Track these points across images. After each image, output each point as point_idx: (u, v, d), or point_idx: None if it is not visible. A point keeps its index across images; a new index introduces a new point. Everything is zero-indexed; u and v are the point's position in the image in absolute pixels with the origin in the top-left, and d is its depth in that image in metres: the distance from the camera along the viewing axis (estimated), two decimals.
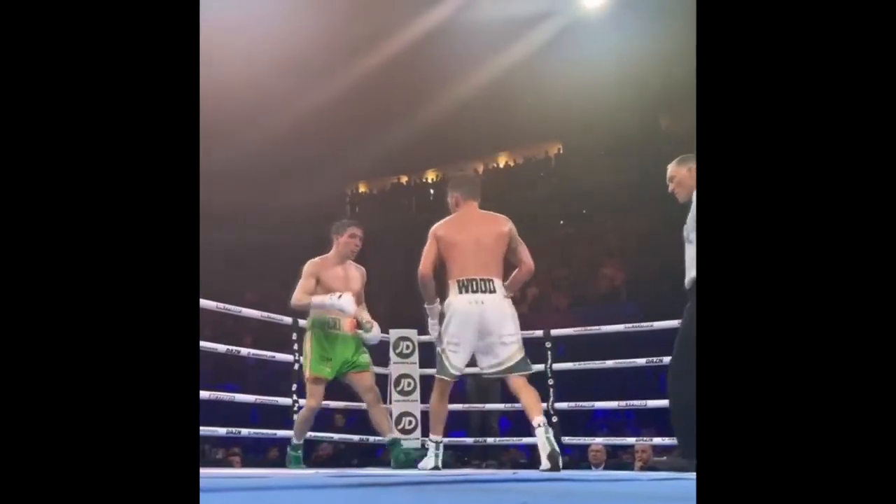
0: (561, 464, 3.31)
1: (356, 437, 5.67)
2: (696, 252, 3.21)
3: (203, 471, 2.33)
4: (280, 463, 4.81)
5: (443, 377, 3.53)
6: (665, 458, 5.09)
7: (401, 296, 3.87)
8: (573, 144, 15.25)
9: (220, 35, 9.78)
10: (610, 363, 5.37)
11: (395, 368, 5.50)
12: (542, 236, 13.70)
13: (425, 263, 3.48)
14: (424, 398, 5.05)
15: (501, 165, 16.66)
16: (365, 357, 4.13)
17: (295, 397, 4.72)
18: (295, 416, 4.50)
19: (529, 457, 6.80)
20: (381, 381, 5.60)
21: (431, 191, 16.37)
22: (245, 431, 5.35)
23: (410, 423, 5.40)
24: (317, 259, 4.10)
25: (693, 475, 1.57)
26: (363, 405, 4.26)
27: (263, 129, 13.28)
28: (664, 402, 3.90)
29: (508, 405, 5.21)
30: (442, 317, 3.52)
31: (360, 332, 4.10)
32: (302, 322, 4.43)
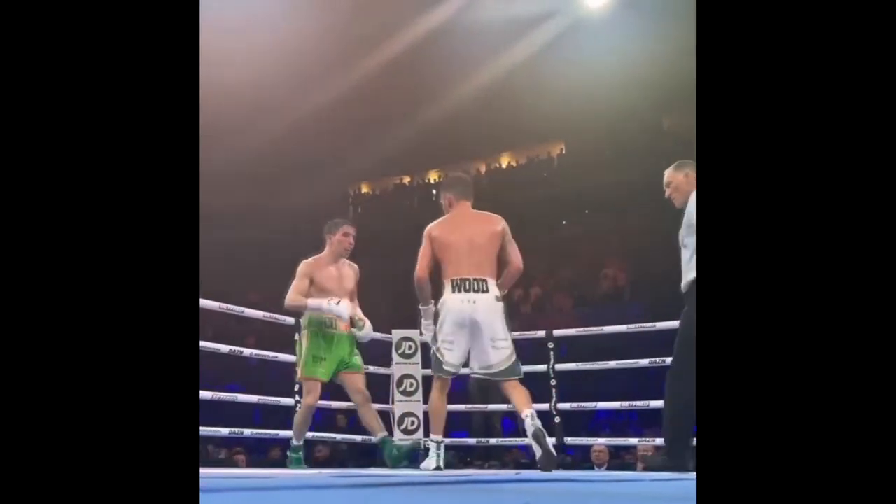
0: (548, 443, 3.34)
1: (358, 438, 5.67)
2: (695, 255, 3.25)
3: (204, 471, 2.34)
4: (282, 463, 4.81)
5: (439, 375, 3.56)
6: (650, 454, 5.09)
7: (403, 296, 3.88)
8: (576, 144, 15.26)
9: (228, 36, 9.81)
10: (613, 364, 5.37)
11: (397, 369, 5.50)
12: (545, 237, 13.71)
13: (421, 266, 3.54)
14: (427, 398, 5.05)
15: (504, 166, 16.66)
16: (358, 359, 4.14)
17: (297, 398, 4.72)
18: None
19: (532, 457, 6.80)
20: (384, 381, 5.61)
21: (434, 191, 16.37)
22: (248, 432, 5.36)
23: (413, 423, 5.40)
24: (310, 259, 4.10)
25: (693, 475, 1.57)
26: None
27: (266, 131, 13.31)
28: None
29: (510, 405, 5.20)
30: (437, 316, 3.56)
31: (353, 329, 4.10)
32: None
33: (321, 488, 2.02)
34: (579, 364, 5.40)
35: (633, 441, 5.95)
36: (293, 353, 4.79)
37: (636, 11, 11.96)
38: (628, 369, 5.46)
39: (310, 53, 12.26)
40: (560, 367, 5.23)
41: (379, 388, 5.59)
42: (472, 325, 3.45)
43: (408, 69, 13.07)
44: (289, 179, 14.87)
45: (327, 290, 4.00)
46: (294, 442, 4.21)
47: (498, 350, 3.46)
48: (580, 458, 6.60)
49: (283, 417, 4.62)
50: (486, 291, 3.46)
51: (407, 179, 17.83)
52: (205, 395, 4.30)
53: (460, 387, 5.59)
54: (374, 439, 4.17)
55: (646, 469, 3.54)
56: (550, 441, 3.38)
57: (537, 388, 5.52)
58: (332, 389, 4.27)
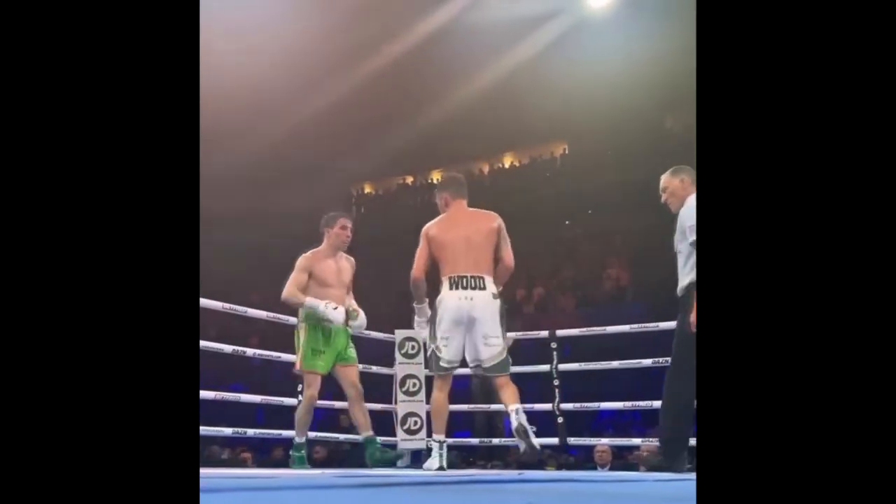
0: (533, 440, 3.37)
1: (361, 437, 5.66)
2: (688, 260, 3.29)
3: (205, 471, 2.34)
4: (285, 463, 4.82)
5: (438, 373, 3.61)
6: (646, 454, 5.09)
7: (406, 296, 3.89)
8: (578, 145, 15.25)
9: (228, 38, 9.81)
10: (616, 364, 5.37)
11: (400, 369, 5.50)
12: (548, 236, 13.72)
13: (417, 266, 3.59)
14: (430, 398, 5.06)
15: (507, 166, 16.66)
16: (353, 351, 4.18)
17: (300, 397, 4.72)
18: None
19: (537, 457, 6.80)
20: (387, 381, 5.61)
21: None
22: (251, 431, 5.37)
23: (416, 423, 5.40)
24: (308, 253, 4.13)
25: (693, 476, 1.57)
26: (367, 406, 4.26)
27: (268, 133, 13.32)
28: None
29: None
30: (434, 314, 3.60)
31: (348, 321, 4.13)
32: None
33: (324, 488, 2.03)
34: (582, 364, 5.40)
35: (637, 441, 5.93)
36: (295, 352, 4.80)
37: (639, 11, 11.96)
38: (631, 369, 5.46)
39: (311, 56, 12.27)
40: (563, 367, 5.23)
41: (382, 389, 5.59)
42: (469, 321, 3.50)
43: (411, 70, 13.08)
44: (292, 181, 14.88)
45: (327, 283, 4.03)
46: (297, 439, 4.21)
47: (489, 346, 3.51)
48: (583, 459, 6.59)
49: (286, 417, 4.62)
50: (484, 288, 3.51)
51: (410, 180, 17.85)
52: (208, 395, 4.31)
53: (463, 387, 5.60)
54: (360, 438, 4.18)
55: (645, 469, 3.55)
56: (534, 437, 3.43)
57: (540, 388, 5.53)
58: (334, 389, 4.27)
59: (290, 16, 11.47)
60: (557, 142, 15.76)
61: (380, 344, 5.62)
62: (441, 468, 3.51)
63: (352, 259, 4.25)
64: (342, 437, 5.96)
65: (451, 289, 3.50)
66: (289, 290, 4.04)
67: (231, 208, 13.92)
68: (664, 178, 3.55)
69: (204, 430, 4.43)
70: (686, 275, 3.32)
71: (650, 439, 5.60)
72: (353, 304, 4.17)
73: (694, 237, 3.21)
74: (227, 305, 4.57)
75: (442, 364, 3.57)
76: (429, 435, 5.04)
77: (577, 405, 5.30)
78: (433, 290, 3.64)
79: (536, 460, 3.46)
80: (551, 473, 4.58)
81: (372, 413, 4.27)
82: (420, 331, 3.80)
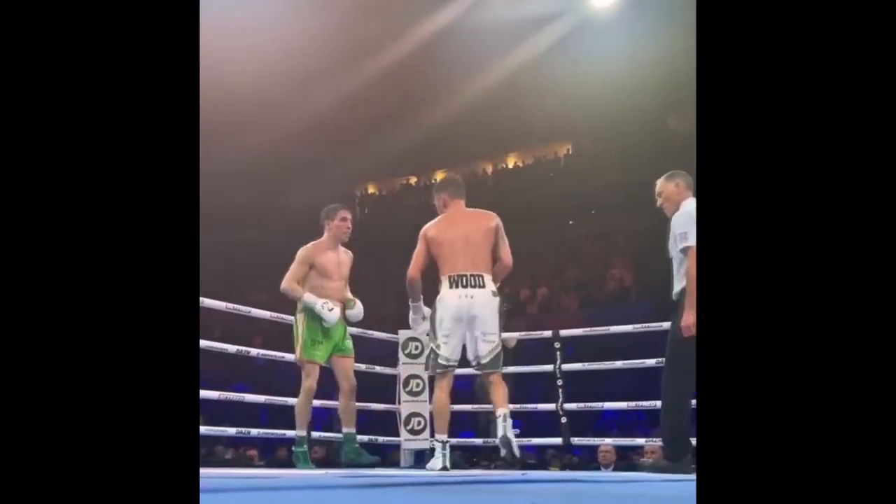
0: (515, 450, 3.40)
1: (365, 438, 5.66)
2: (682, 265, 3.33)
3: (207, 471, 2.34)
4: (289, 463, 4.81)
5: (438, 371, 3.62)
6: (647, 459, 5.10)
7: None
8: (582, 145, 15.24)
9: (229, 36, 9.81)
10: (619, 364, 5.35)
11: (403, 369, 5.49)
12: (551, 237, 13.71)
13: (414, 266, 3.64)
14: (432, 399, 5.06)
15: (510, 166, 16.66)
16: (349, 342, 4.19)
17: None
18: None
19: (538, 457, 6.80)
20: (390, 381, 5.61)
21: None
22: (255, 431, 5.36)
23: (419, 423, 5.39)
24: (310, 245, 4.15)
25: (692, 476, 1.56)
26: (369, 405, 4.26)
27: (273, 131, 13.32)
28: None
29: (517, 405, 5.20)
30: (433, 313, 3.63)
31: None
32: None
33: (327, 488, 2.02)
34: (586, 364, 5.39)
35: (640, 441, 5.92)
36: (294, 341, 4.79)
37: (643, 12, 11.95)
38: (635, 369, 5.45)
39: (312, 55, 12.28)
40: (566, 367, 5.22)
41: (385, 389, 5.59)
42: (469, 319, 3.52)
43: (414, 70, 13.08)
44: (296, 180, 14.89)
45: (328, 274, 4.07)
46: (298, 434, 4.22)
47: (487, 343, 3.54)
48: (587, 459, 6.59)
49: (290, 417, 4.61)
50: (483, 287, 3.53)
51: (414, 180, 17.84)
52: (212, 394, 4.31)
53: (466, 387, 5.60)
54: (342, 432, 4.19)
55: (649, 470, 3.57)
56: (517, 447, 3.45)
57: (544, 388, 5.52)
58: (334, 389, 4.27)
59: (291, 15, 11.47)
60: (561, 142, 15.75)
61: (383, 344, 5.62)
62: (444, 468, 3.51)
63: (350, 253, 4.29)
64: (342, 437, 5.95)
65: (451, 287, 3.52)
66: (288, 282, 4.06)
67: (237, 204, 13.92)
68: (659, 183, 3.60)
69: (208, 429, 4.43)
70: (678, 281, 3.37)
71: (654, 439, 5.59)
72: (349, 295, 4.19)
73: (684, 244, 3.26)
74: (230, 305, 4.58)
75: (440, 361, 3.58)
76: (432, 435, 5.04)
77: (581, 405, 5.29)
78: (432, 290, 3.65)
79: (518, 467, 3.47)
80: (555, 474, 4.58)
81: (375, 413, 4.26)
82: (415, 328, 3.86)
